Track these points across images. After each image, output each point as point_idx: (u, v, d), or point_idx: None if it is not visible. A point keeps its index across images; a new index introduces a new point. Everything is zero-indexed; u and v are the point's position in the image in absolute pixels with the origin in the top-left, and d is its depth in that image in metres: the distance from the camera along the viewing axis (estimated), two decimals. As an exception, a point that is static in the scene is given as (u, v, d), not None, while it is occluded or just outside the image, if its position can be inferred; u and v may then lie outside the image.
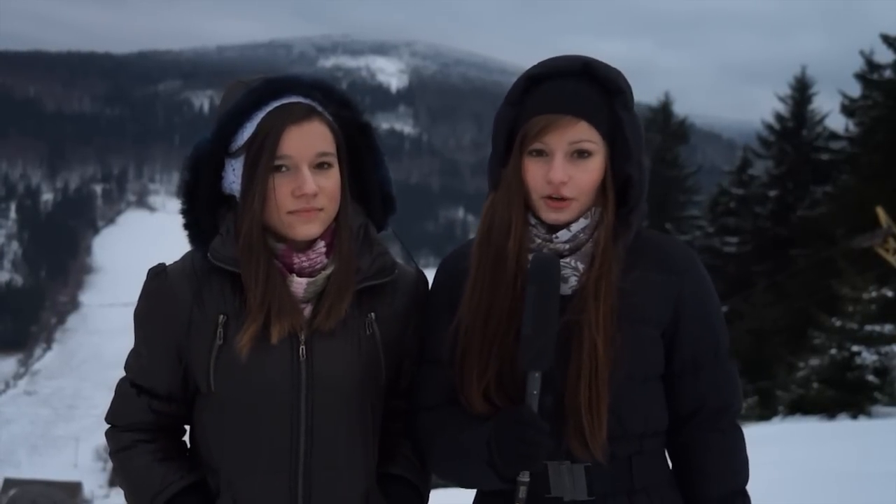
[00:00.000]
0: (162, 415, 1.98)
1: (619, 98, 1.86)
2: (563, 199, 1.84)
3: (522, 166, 1.86)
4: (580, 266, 1.87)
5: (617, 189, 1.89)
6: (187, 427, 2.05)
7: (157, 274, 1.95)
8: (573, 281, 1.87)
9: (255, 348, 1.86)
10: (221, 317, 1.88)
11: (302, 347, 1.88)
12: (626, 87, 1.88)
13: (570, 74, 1.87)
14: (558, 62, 1.89)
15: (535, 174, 1.85)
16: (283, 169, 1.84)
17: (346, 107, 1.94)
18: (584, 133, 1.83)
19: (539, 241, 1.88)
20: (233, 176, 1.90)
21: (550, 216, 1.87)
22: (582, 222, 1.88)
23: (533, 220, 1.89)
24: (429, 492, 2.07)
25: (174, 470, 1.93)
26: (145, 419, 1.97)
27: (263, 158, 1.83)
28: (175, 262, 1.98)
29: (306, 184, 1.83)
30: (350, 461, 1.93)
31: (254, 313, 1.85)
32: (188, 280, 1.92)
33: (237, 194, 1.90)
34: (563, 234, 1.87)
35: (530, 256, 1.87)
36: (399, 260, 2.05)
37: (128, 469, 1.97)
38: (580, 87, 1.85)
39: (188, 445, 2.04)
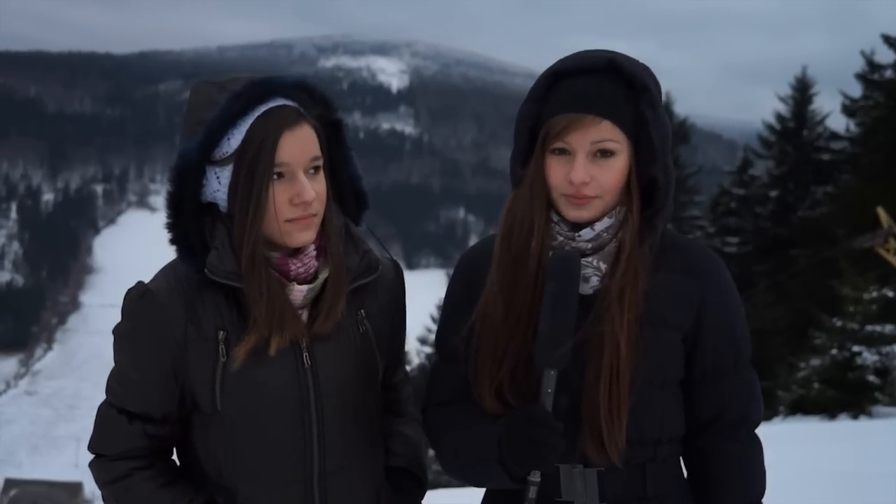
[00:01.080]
0: (156, 438, 1.90)
1: (644, 96, 1.81)
2: (585, 196, 1.82)
3: (545, 164, 1.83)
4: (602, 266, 1.84)
5: (642, 190, 1.86)
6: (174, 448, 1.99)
7: (142, 294, 1.85)
8: (594, 281, 1.84)
9: (259, 361, 1.82)
10: (221, 333, 1.83)
11: (305, 354, 1.86)
12: (652, 85, 1.83)
13: (594, 71, 1.82)
14: (583, 58, 1.85)
15: (557, 173, 1.82)
16: (280, 177, 1.79)
17: (326, 106, 1.90)
18: (607, 132, 1.79)
19: (561, 238, 1.86)
20: (217, 185, 1.83)
21: (572, 213, 1.84)
22: (606, 221, 1.84)
23: (556, 218, 1.87)
24: (427, 480, 2.08)
25: (180, 494, 1.87)
26: (139, 445, 1.89)
27: (261, 167, 1.77)
28: (156, 280, 1.88)
29: (305, 191, 1.79)
30: (361, 460, 1.93)
31: (260, 327, 1.80)
32: (178, 297, 1.84)
33: (221, 203, 1.84)
34: (587, 233, 1.84)
35: (550, 252, 1.84)
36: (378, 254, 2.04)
37: (127, 500, 1.89)
38: (604, 84, 1.80)
39: (178, 465, 1.99)
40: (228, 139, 1.79)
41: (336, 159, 1.94)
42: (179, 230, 1.84)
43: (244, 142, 1.78)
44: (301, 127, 1.81)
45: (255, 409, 1.84)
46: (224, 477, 1.88)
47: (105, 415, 1.91)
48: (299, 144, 1.80)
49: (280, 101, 1.82)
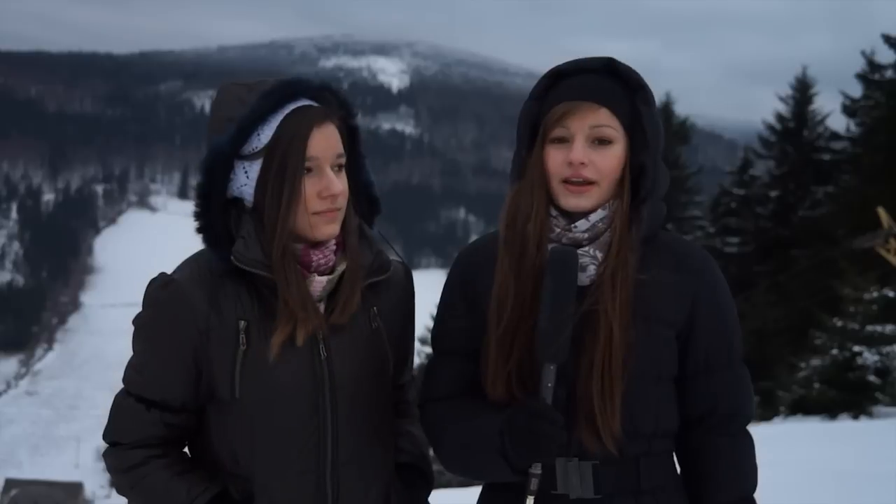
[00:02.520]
0: (173, 427, 1.94)
1: (640, 93, 1.91)
2: (583, 183, 1.87)
3: (545, 155, 1.90)
4: (598, 255, 1.89)
5: (633, 181, 1.92)
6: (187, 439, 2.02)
7: (166, 283, 1.91)
8: (591, 270, 1.89)
9: (281, 348, 1.87)
10: (242, 322, 1.87)
11: (322, 346, 1.91)
12: (646, 85, 1.93)
13: (593, 70, 1.92)
14: (582, 60, 1.95)
15: (556, 159, 1.88)
16: (309, 171, 1.86)
17: (346, 110, 1.97)
18: (604, 119, 1.87)
19: (559, 230, 1.91)
20: (244, 179, 1.89)
21: (570, 201, 1.89)
22: (600, 213, 1.90)
23: (554, 212, 1.92)
24: (433, 477, 2.12)
25: (196, 482, 1.91)
26: (156, 434, 1.93)
27: (292, 161, 1.84)
28: (180, 271, 1.94)
29: (333, 184, 1.86)
30: (372, 454, 1.96)
31: (288, 317, 1.85)
32: (201, 287, 1.89)
33: (247, 197, 1.90)
34: (582, 224, 1.90)
35: (550, 247, 1.89)
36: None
37: (144, 487, 1.93)
38: (603, 80, 1.91)
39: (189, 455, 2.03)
40: (258, 135, 1.87)
41: (352, 163, 2.00)
42: (206, 220, 1.91)
43: (275, 137, 1.85)
44: (328, 125, 1.89)
45: (272, 398, 1.88)
46: (241, 466, 1.91)
47: (122, 404, 1.95)
48: (327, 140, 1.88)
49: (306, 102, 1.90)
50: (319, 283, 1.90)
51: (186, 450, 2.02)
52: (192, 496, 1.88)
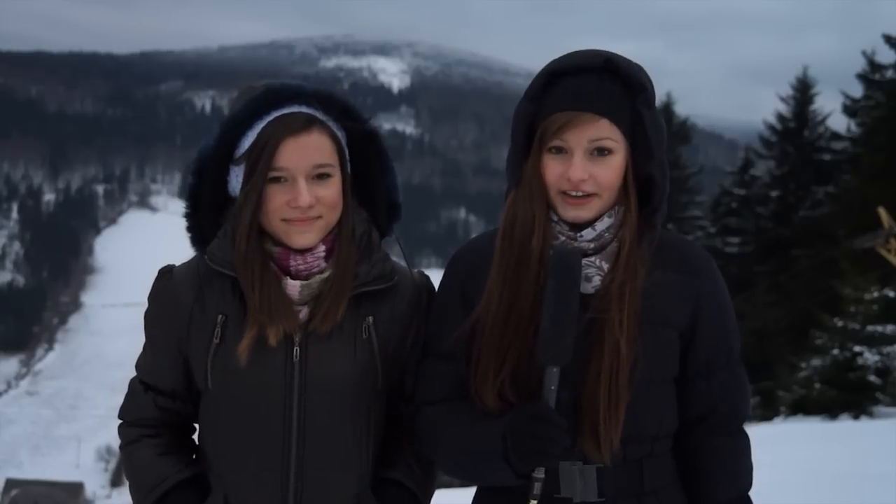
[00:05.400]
0: (167, 411, 2.04)
1: (641, 95, 1.84)
2: (582, 196, 1.83)
3: (542, 163, 1.85)
4: (604, 265, 1.86)
5: (639, 189, 1.88)
6: (196, 425, 2.09)
7: (164, 274, 2.01)
8: (597, 280, 1.86)
9: (251, 349, 1.89)
10: (220, 317, 1.92)
11: (296, 349, 1.91)
12: (648, 84, 1.85)
13: (591, 70, 1.84)
14: (579, 57, 1.86)
15: (554, 171, 1.84)
16: (282, 180, 1.87)
17: (348, 116, 1.95)
18: (604, 131, 1.81)
19: (563, 238, 1.87)
20: (236, 182, 1.92)
21: (570, 213, 1.85)
22: (606, 221, 1.86)
23: (555, 217, 1.88)
24: (429, 500, 2.06)
25: (172, 464, 1.98)
26: (151, 415, 2.03)
27: (259, 169, 1.86)
28: (183, 263, 2.02)
29: (301, 196, 1.86)
30: (342, 463, 1.94)
31: (254, 319, 1.88)
32: (191, 280, 1.96)
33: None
34: (588, 233, 1.86)
35: (553, 243, 1.86)
36: (403, 264, 2.06)
37: (132, 462, 2.04)
38: (602, 83, 1.82)
39: (196, 443, 2.09)
40: (244, 140, 1.90)
41: (373, 167, 2.00)
42: (194, 220, 1.97)
43: (252, 144, 1.88)
44: (308, 134, 1.88)
45: (239, 393, 1.92)
46: (208, 454, 1.98)
47: (131, 385, 2.08)
48: (302, 151, 1.87)
49: (294, 108, 1.89)
50: (293, 286, 1.91)
51: (196, 436, 2.10)
52: (163, 476, 1.96)
